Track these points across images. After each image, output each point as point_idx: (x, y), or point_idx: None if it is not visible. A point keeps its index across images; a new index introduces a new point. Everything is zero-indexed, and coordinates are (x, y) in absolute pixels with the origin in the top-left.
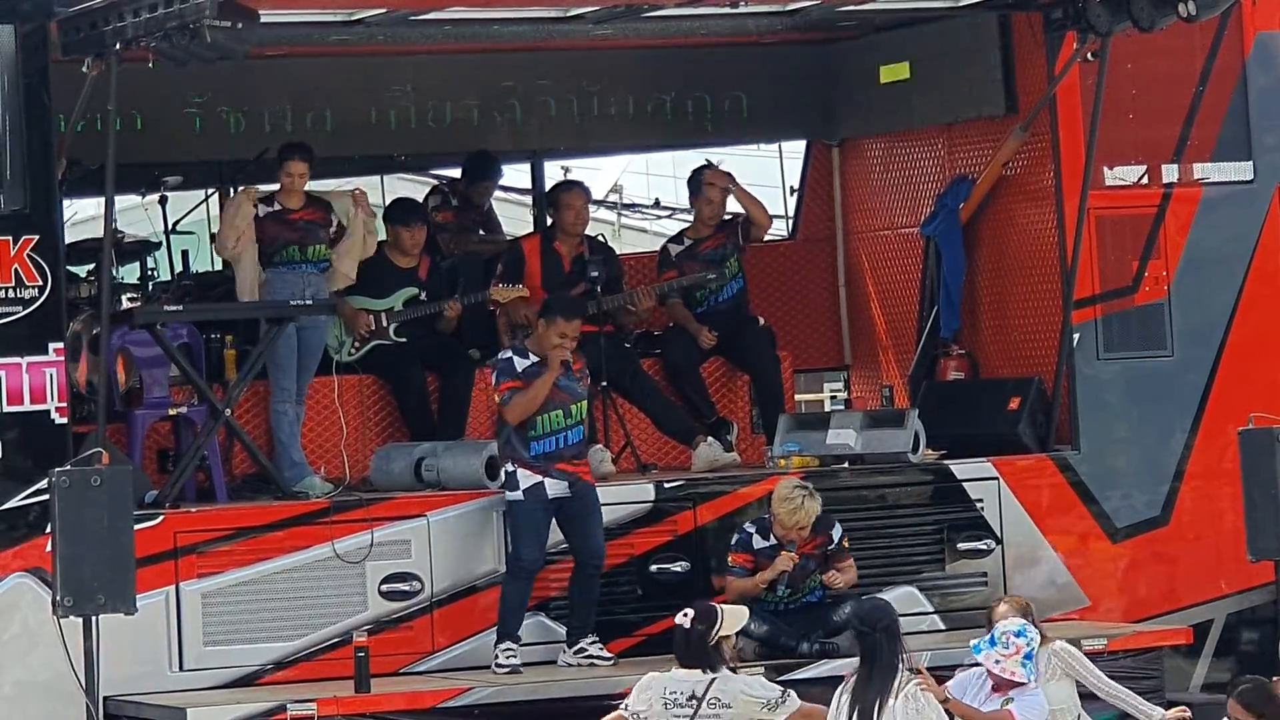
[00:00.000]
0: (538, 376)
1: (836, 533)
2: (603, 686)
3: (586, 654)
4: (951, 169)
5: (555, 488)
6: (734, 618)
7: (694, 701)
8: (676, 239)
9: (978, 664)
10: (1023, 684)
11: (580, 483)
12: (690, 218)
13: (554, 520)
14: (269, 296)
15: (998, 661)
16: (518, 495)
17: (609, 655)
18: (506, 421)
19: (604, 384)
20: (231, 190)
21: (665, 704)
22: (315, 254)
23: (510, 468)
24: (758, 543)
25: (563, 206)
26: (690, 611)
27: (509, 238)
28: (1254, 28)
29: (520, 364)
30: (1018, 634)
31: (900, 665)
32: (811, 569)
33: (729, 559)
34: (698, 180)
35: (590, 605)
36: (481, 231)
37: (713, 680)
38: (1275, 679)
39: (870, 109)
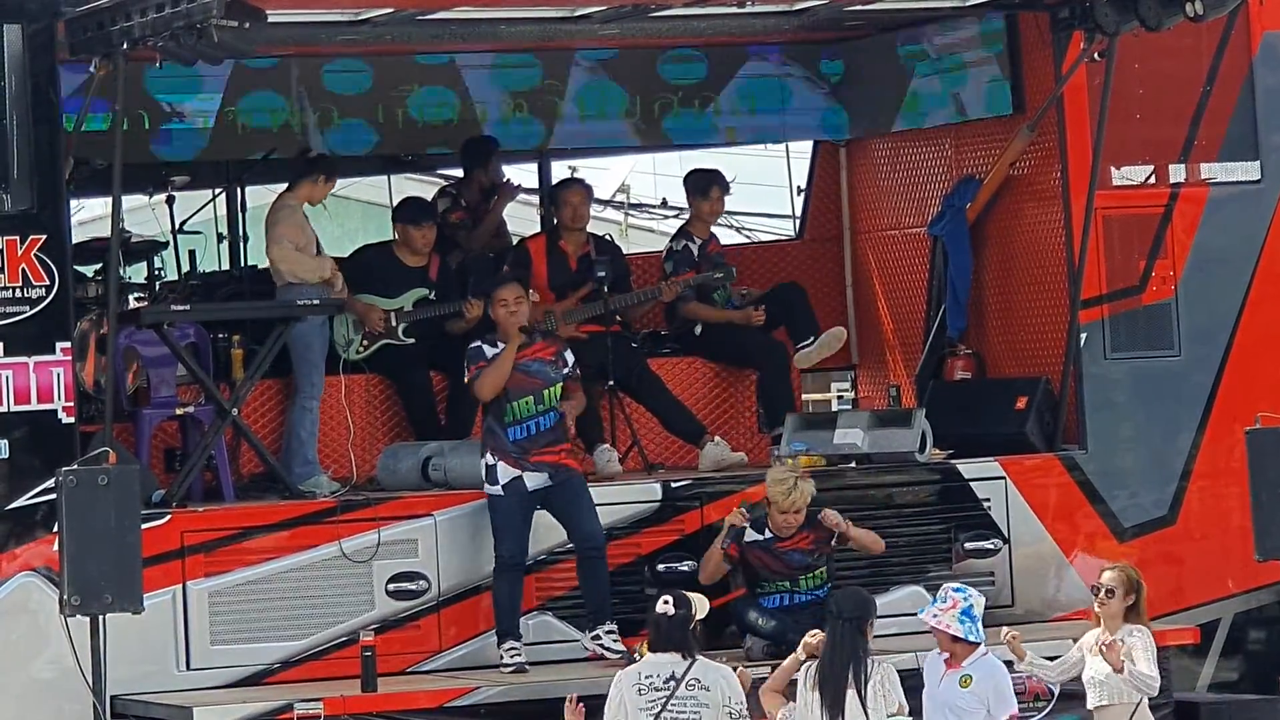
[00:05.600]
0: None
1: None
2: (609, 685)
3: (600, 641)
4: (958, 169)
5: (534, 479)
6: (702, 605)
7: (671, 682)
8: (689, 236)
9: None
10: (970, 645)
11: (561, 470)
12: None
13: (545, 511)
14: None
15: (935, 616)
16: (497, 490)
17: (622, 649)
18: (479, 399)
19: (610, 383)
20: (240, 191)
21: (640, 689)
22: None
23: (491, 460)
24: (750, 535)
25: (561, 203)
26: (670, 598)
27: (517, 237)
28: (1261, 27)
29: (489, 350)
30: (957, 589)
31: (863, 655)
32: (812, 563)
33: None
34: (702, 181)
35: (601, 590)
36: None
37: (693, 663)
38: None
39: (877, 109)
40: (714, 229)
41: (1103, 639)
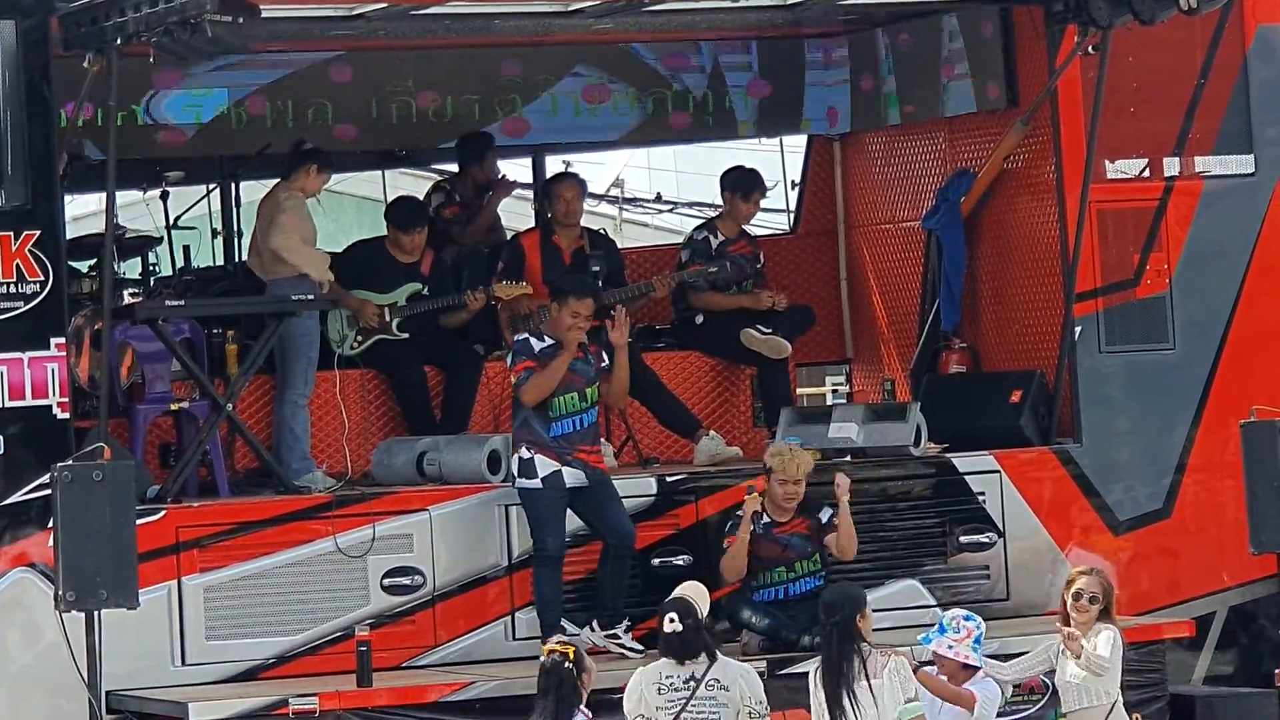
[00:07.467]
0: (554, 358)
1: (825, 514)
2: (608, 680)
3: (619, 641)
4: (953, 162)
5: (572, 476)
6: (702, 597)
7: (692, 682)
8: (713, 230)
9: (929, 663)
10: (975, 668)
11: (596, 471)
12: (695, 211)
13: (571, 509)
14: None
15: (950, 646)
16: (535, 484)
17: (640, 647)
18: (522, 403)
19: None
20: (234, 186)
21: (659, 689)
22: None
23: (527, 454)
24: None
25: (554, 198)
26: (674, 614)
27: (511, 232)
28: (1255, 20)
29: (537, 345)
30: (967, 618)
31: (855, 654)
32: (810, 549)
33: (725, 542)
34: (746, 182)
35: (621, 590)
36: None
37: (714, 663)
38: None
39: (871, 103)
40: (745, 228)
41: (1070, 633)
